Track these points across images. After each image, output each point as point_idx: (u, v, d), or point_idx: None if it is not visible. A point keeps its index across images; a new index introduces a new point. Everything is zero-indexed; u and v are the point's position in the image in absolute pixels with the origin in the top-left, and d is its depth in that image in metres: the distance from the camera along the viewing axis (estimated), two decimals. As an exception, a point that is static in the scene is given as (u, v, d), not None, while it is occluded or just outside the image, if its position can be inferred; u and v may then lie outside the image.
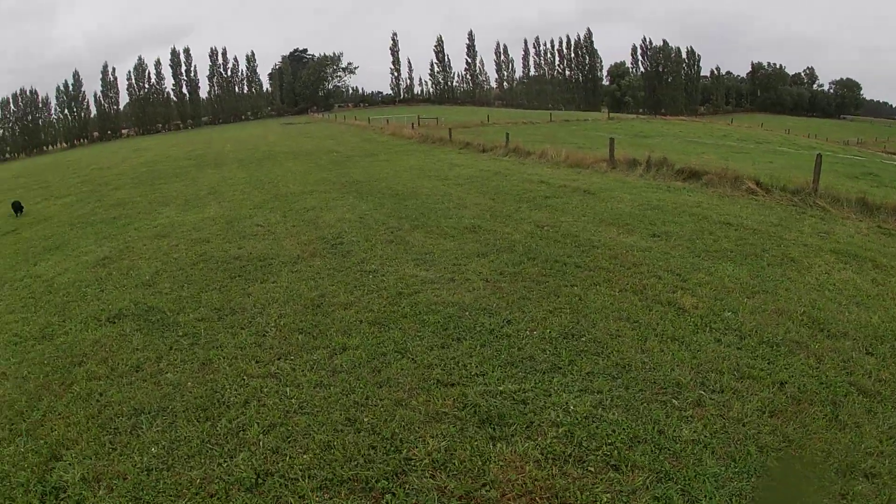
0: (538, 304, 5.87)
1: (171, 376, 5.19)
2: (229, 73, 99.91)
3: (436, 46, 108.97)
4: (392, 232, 9.54)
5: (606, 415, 3.85)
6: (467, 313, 5.73)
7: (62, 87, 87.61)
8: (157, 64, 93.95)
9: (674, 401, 3.98)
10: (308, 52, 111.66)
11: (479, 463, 3.64)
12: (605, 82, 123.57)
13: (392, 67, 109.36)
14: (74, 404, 4.88)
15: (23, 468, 4.10)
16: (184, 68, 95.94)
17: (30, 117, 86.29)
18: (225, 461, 3.92)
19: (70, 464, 4.07)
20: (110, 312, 6.93)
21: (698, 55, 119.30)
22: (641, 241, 8.11)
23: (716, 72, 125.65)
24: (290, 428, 4.21)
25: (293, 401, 4.55)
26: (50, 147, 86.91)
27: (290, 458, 3.88)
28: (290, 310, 6.47)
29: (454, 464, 3.65)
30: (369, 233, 9.70)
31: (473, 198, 12.01)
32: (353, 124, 50.93)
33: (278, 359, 5.31)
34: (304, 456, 3.88)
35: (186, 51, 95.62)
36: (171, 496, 3.67)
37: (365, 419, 4.23)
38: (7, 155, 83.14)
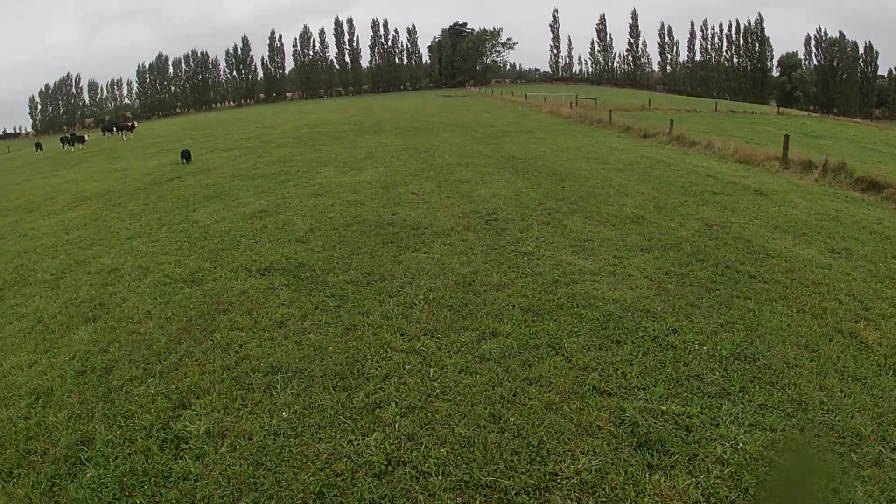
0: (708, 315, 6.13)
1: (313, 337, 5.83)
2: (390, 43, 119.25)
3: (598, 24, 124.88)
4: (549, 214, 10.36)
5: (778, 459, 3.89)
6: (629, 314, 6.09)
7: (231, 51, 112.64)
8: (322, 33, 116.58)
9: (852, 454, 4.01)
10: (468, 27, 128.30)
11: (633, 493, 3.62)
12: (775, 73, 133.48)
13: (551, 45, 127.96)
14: (212, 353, 5.66)
15: (149, 411, 4.80)
16: (346, 38, 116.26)
17: (200, 77, 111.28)
18: (356, 439, 4.25)
19: (197, 414, 4.67)
20: (261, 265, 8.07)
21: (876, 52, 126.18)
22: (820, 255, 8.37)
23: (894, 72, 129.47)
24: (429, 414, 4.49)
25: (436, 384, 4.88)
26: (218, 105, 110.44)
27: (425, 447, 4.11)
28: (440, 283, 7.10)
29: (604, 489, 3.66)
30: (525, 212, 10.46)
31: (635, 185, 12.93)
32: (509, 100, 56.83)
33: (424, 335, 5.78)
34: (441, 449, 4.08)
35: (349, 21, 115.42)
36: (293, 467, 4.01)
37: (511, 419, 4.39)
38: (178, 110, 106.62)
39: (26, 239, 12.34)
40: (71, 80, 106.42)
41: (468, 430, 4.27)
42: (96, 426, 4.71)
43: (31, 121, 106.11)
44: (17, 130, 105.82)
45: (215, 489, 3.92)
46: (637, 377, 4.87)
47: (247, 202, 12.65)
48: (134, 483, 4.08)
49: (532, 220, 9.86)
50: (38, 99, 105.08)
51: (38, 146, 44.37)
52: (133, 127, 44.23)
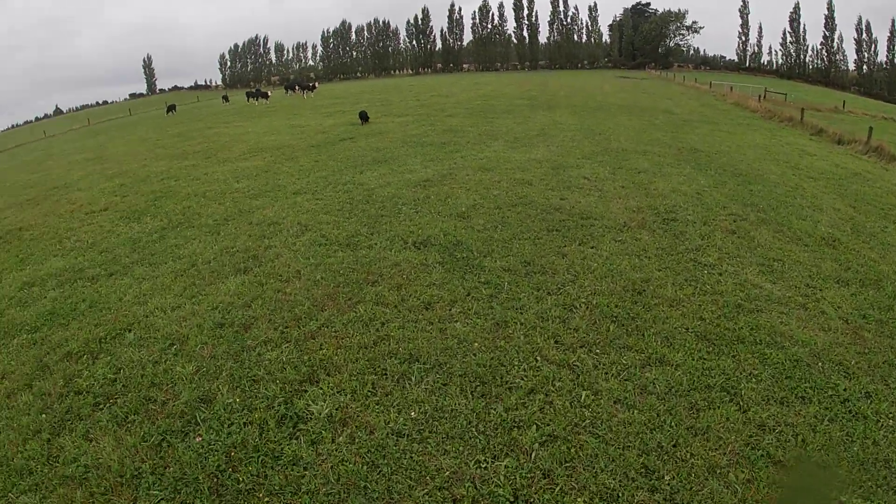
0: (910, 380, 5.00)
1: (459, 327, 5.42)
2: (569, 20, 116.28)
3: (791, 13, 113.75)
4: (734, 220, 9.21)
5: None
6: (819, 363, 5.30)
7: (411, 21, 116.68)
8: (501, 6, 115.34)
9: None
10: (651, 6, 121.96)
11: None
12: None
13: (739, 31, 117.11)
14: (352, 326, 5.47)
15: (276, 380, 4.69)
16: (525, 12, 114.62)
17: (380, 44, 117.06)
18: (485, 461, 3.80)
19: (323, 393, 4.47)
20: (418, 237, 7.85)
21: None
22: None
23: None
24: (572, 448, 3.94)
25: (586, 412, 4.29)
26: (396, 72, 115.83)
27: (560, 491, 3.59)
28: (605, 287, 6.40)
29: None
30: (708, 214, 9.34)
31: (830, 199, 11.55)
32: (691, 86, 53.16)
33: (581, 347, 5.15)
34: (578, 498, 3.55)
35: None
36: (410, 478, 3.65)
37: (666, 476, 3.73)
38: (358, 74, 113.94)
39: (198, 183, 13.41)
40: (259, 41, 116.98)
41: (614, 480, 3.70)
42: (220, 386, 4.65)
43: (220, 75, 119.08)
44: (207, 83, 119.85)
45: (322, 484, 3.65)
46: (819, 450, 4.12)
47: (413, 169, 12.62)
48: (241, 457, 3.91)
49: (715, 226, 8.78)
50: (227, 56, 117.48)
51: (225, 98, 49.42)
52: (314, 87, 47.55)
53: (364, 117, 23.26)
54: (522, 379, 4.66)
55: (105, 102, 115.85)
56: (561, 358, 4.97)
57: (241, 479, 3.77)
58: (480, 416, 4.21)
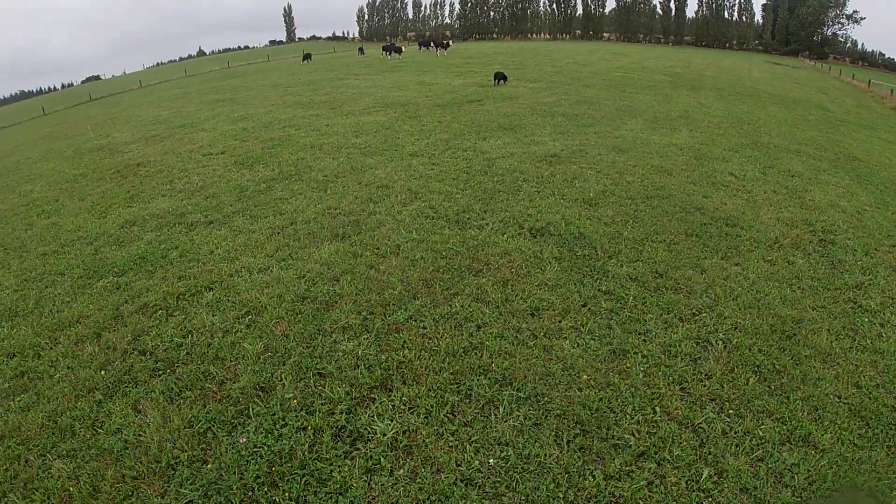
0: None
1: (568, 348, 4.50)
2: None
3: None
4: None
5: None
6: None
7: None
8: None
9: None
10: None
11: None
12: None
13: None
14: (443, 324, 4.70)
15: (344, 380, 4.05)
16: None
17: (519, 6, 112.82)
18: None
19: (394, 408, 3.78)
20: (536, 223, 6.90)
21: None
22: None
23: None
24: None
25: (704, 500, 3.32)
26: (533, 36, 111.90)
27: None
28: (749, 322, 5.14)
29: None
30: (870, 242, 7.55)
31: None
32: (848, 82, 47.75)
33: (711, 401, 4.07)
34: None
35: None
36: None
37: None
38: (494, 35, 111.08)
39: (317, 134, 13.05)
40: None
41: None
42: (283, 375, 4.07)
43: (357, 28, 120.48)
44: (345, 34, 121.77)
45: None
46: None
47: (540, 141, 11.55)
48: (285, 472, 3.32)
49: (878, 259, 7.07)
50: (365, 10, 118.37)
51: (361, 50, 49.81)
52: (447, 45, 46.72)
53: (501, 77, 23.04)
54: (633, 434, 3.69)
55: (246, 47, 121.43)
56: (685, 414, 3.92)
57: (277, 499, 3.14)
58: (573, 479, 3.33)
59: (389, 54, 42.92)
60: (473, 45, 74.89)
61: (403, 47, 46.98)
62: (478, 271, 5.65)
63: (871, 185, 10.98)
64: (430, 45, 47.52)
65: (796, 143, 14.12)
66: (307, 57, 48.52)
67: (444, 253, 6.09)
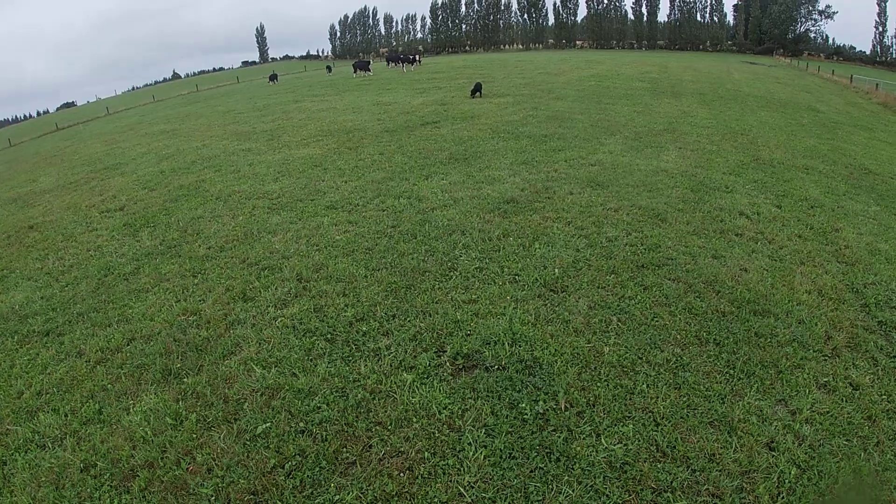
0: None
1: None
2: None
3: None
4: None
5: None
6: None
7: None
8: None
9: None
10: None
11: None
12: None
13: (876, 20, 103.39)
14: None
15: None
16: None
17: (491, 17, 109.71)
18: None
19: None
20: (465, 341, 4.47)
21: None
22: None
23: None
24: None
25: None
26: (506, 47, 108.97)
27: None
28: (799, 486, 3.12)
29: None
30: None
31: None
32: (828, 78, 46.25)
33: None
34: None
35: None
36: None
37: None
38: (467, 48, 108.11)
39: (235, 178, 10.87)
40: (368, 13, 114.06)
41: None
42: None
43: (330, 46, 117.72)
44: (319, 53, 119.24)
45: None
46: None
47: (497, 178, 9.12)
48: None
49: None
50: (337, 28, 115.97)
51: (329, 68, 47.49)
52: (414, 60, 44.31)
53: (478, 90, 21.88)
54: None
55: (221, 69, 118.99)
56: None
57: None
58: None
59: (356, 72, 40.51)
60: (444, 58, 72.80)
61: (371, 63, 44.56)
62: (347, 468, 3.17)
63: (898, 207, 8.72)
64: (398, 60, 45.06)
65: (801, 157, 11.91)
66: (273, 78, 46.40)
67: (305, 418, 3.61)
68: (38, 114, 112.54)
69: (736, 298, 5.13)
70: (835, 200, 8.77)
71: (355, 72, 40.66)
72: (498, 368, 4.01)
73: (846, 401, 3.96)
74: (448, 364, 4.10)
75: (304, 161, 11.58)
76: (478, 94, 21.46)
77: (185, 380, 4.24)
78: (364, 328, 4.68)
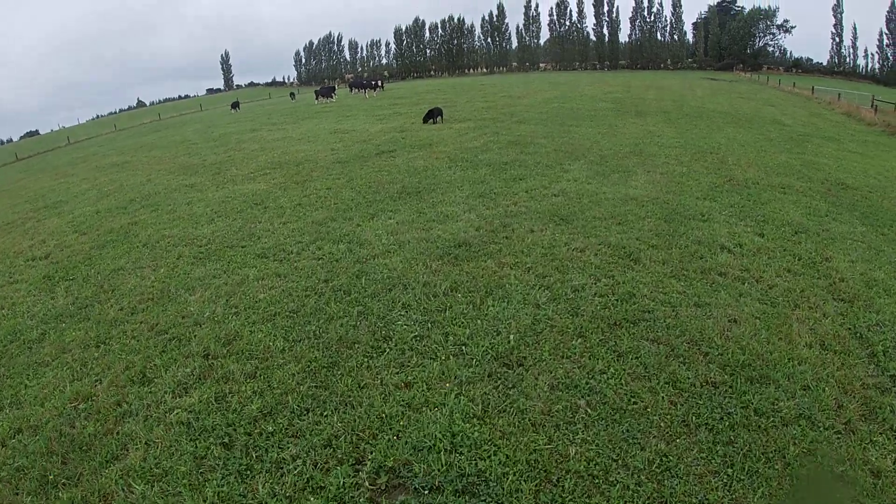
0: None
1: None
2: (652, 17, 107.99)
3: (888, 13, 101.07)
4: None
5: None
6: None
7: (486, 18, 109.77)
8: (580, 3, 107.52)
9: None
10: (737, 4, 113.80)
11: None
12: None
13: (833, 32, 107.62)
14: None
15: None
16: (606, 8, 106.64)
17: (455, 42, 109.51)
18: None
19: None
20: (391, 448, 3.50)
21: None
22: None
23: None
24: None
25: None
26: (470, 71, 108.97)
27: None
28: None
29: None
30: None
31: None
32: (790, 91, 47.06)
33: None
34: None
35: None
36: None
37: None
38: (432, 73, 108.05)
39: (169, 219, 10.13)
40: (333, 39, 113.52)
41: None
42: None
43: (295, 72, 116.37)
44: (285, 80, 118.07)
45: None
46: None
47: (450, 214, 8.23)
48: None
49: None
50: (302, 54, 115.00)
51: (292, 95, 46.63)
52: (376, 86, 43.53)
53: (436, 114, 21.03)
54: None
55: (186, 96, 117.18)
56: None
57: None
58: None
59: (318, 98, 39.57)
60: (407, 84, 72.53)
61: (338, 90, 43.63)
62: None
63: (883, 226, 8.40)
64: (361, 86, 44.25)
65: (775, 175, 11.39)
66: (235, 105, 45.48)
67: None
68: (2, 142, 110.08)
69: (728, 362, 4.27)
70: (818, 223, 8.09)
71: (317, 98, 39.70)
72: (431, 490, 3.03)
73: (868, 496, 3.11)
74: (367, 483, 3.12)
75: (244, 198, 10.59)
76: (436, 119, 20.58)
77: (62, 494, 3.24)
78: (270, 428, 3.67)
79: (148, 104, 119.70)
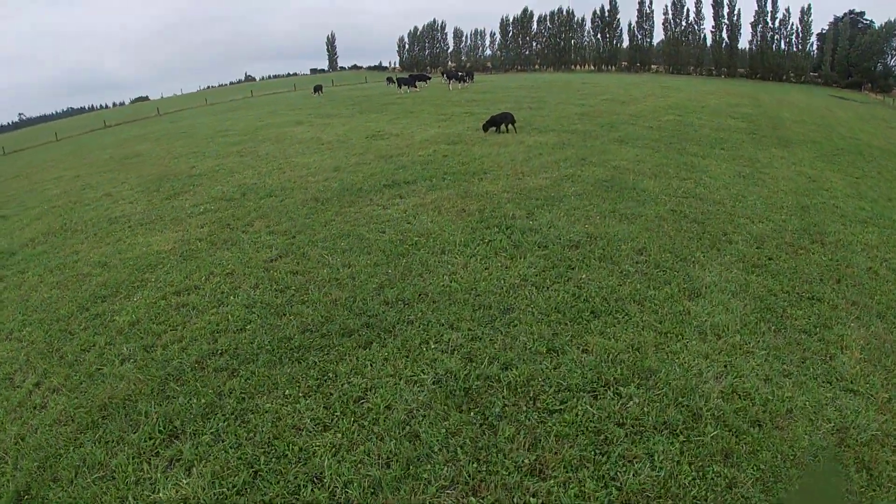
0: None
1: None
2: (777, 23, 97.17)
3: None
4: None
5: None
6: None
7: (598, 12, 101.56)
8: (698, 2, 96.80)
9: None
10: (865, 17, 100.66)
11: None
12: None
13: None
14: None
15: None
16: (726, 10, 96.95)
17: (563, 36, 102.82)
18: None
19: None
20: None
21: None
22: None
23: None
24: None
25: None
26: (577, 67, 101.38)
27: None
28: None
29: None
30: None
31: None
32: None
33: None
34: None
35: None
36: None
37: None
38: (536, 67, 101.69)
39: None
40: (437, 26, 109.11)
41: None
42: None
43: (398, 58, 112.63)
44: (388, 64, 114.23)
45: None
46: None
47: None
48: None
49: None
50: (406, 40, 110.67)
51: (389, 80, 42.10)
52: (463, 78, 38.13)
53: (504, 121, 15.11)
54: None
55: (295, 74, 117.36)
56: None
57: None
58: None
59: (399, 87, 34.54)
60: (508, 77, 66.27)
61: (422, 81, 38.31)
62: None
63: None
64: (451, 77, 38.77)
65: None
66: (318, 89, 41.97)
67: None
68: (115, 104, 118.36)
69: None
70: None
71: (399, 87, 34.70)
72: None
73: None
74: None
75: (148, 262, 5.56)
76: (503, 128, 14.84)
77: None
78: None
79: (258, 79, 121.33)
